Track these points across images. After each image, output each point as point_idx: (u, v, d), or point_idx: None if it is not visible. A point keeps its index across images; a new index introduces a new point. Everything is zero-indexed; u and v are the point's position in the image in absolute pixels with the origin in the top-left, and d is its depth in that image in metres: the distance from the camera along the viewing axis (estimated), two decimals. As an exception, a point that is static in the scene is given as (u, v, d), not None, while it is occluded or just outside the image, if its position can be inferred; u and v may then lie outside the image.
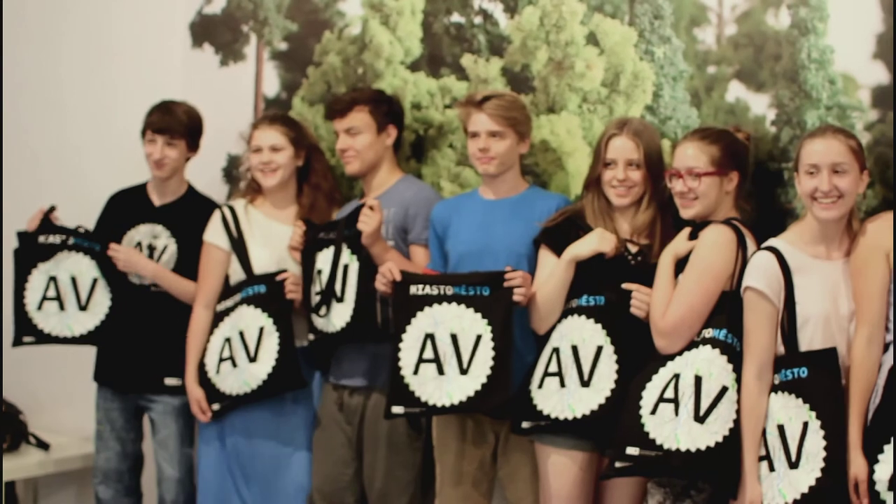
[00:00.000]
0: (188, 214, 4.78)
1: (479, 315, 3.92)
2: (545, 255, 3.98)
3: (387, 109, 4.49)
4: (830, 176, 3.49)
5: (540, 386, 3.85)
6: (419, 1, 4.77)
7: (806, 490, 3.41)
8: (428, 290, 3.98)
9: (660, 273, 3.72)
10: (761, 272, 3.55)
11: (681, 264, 3.72)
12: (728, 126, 3.92)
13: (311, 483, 4.50)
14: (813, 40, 3.92)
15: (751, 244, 3.68)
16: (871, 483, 3.35)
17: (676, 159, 3.78)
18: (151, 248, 4.75)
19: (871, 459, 3.36)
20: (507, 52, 4.54)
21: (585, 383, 3.77)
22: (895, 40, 3.71)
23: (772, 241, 3.61)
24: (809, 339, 3.52)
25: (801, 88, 3.94)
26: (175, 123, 4.72)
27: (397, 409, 3.97)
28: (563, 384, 3.80)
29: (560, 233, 3.95)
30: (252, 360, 4.40)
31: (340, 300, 4.23)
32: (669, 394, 3.58)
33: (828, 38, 3.90)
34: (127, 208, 4.85)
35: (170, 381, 4.70)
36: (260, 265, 4.53)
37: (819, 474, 3.40)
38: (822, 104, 3.90)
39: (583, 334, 3.81)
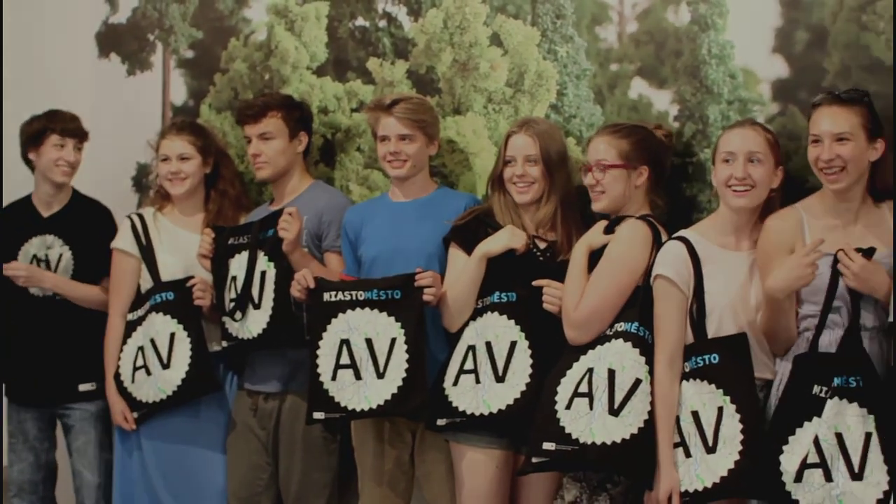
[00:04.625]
0: (78, 220, 4.60)
1: (392, 318, 3.79)
2: (455, 254, 3.84)
3: (298, 115, 4.33)
4: (745, 164, 3.42)
5: (455, 383, 3.73)
6: (324, 6, 4.62)
7: (725, 473, 3.33)
8: (341, 296, 3.84)
9: (573, 265, 3.60)
10: (671, 261, 3.46)
11: (594, 257, 3.59)
12: (647, 123, 3.82)
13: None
14: (713, 36, 3.86)
15: (664, 238, 3.57)
16: (778, 474, 3.27)
17: (588, 153, 3.70)
18: (47, 260, 4.54)
19: (777, 450, 3.29)
20: (412, 54, 4.41)
21: (500, 379, 3.66)
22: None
23: (682, 232, 3.53)
24: (717, 328, 3.44)
25: (703, 84, 3.88)
26: (81, 128, 4.56)
27: (318, 415, 3.84)
28: (478, 381, 3.69)
29: (470, 231, 3.83)
30: (165, 366, 4.21)
31: (257, 306, 4.06)
32: (584, 388, 3.47)
33: (727, 33, 3.85)
34: (16, 223, 4.63)
35: (84, 387, 4.51)
36: (168, 273, 4.34)
37: (738, 457, 3.32)
38: (724, 99, 3.84)
39: (496, 331, 3.70)
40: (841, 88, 3.49)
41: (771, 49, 3.79)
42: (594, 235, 3.62)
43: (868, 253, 3.29)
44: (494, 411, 3.64)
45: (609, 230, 3.60)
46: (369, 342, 3.78)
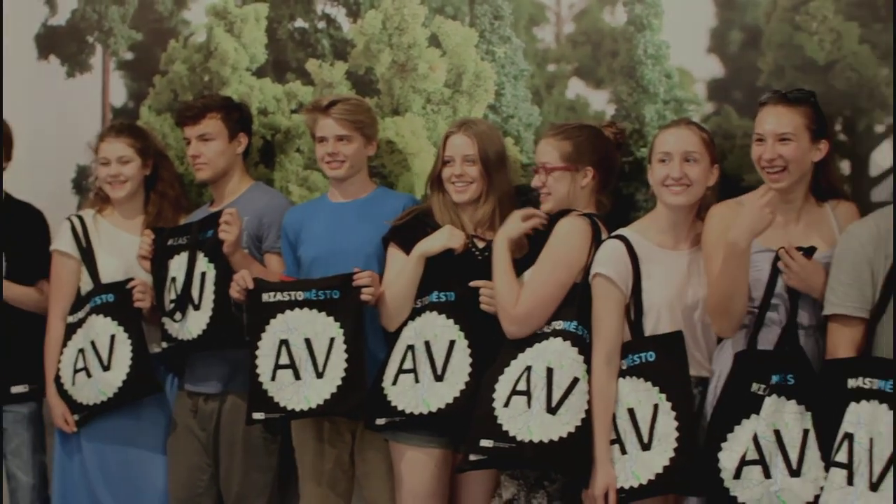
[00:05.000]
0: (10, 222, 4.50)
1: (331, 318, 3.76)
2: (394, 253, 3.82)
3: (238, 117, 4.29)
4: (682, 164, 3.41)
5: (394, 383, 3.70)
6: (263, 7, 4.57)
7: (660, 470, 3.33)
8: (280, 296, 3.81)
9: (498, 259, 3.59)
10: (610, 259, 3.45)
11: (533, 254, 3.58)
12: (600, 122, 3.80)
13: (169, 490, 4.31)
14: (649, 36, 3.87)
15: (605, 237, 3.56)
16: (716, 471, 3.26)
17: (537, 155, 3.70)
18: None
19: (716, 447, 3.29)
20: (351, 55, 4.38)
21: (439, 378, 3.64)
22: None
23: (621, 231, 3.52)
24: (654, 326, 3.44)
25: (639, 84, 3.88)
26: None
27: (258, 416, 3.81)
28: (417, 380, 3.66)
29: (409, 231, 3.81)
30: (106, 368, 4.15)
31: (197, 307, 4.02)
32: (522, 386, 3.46)
33: (663, 33, 3.86)
34: None
35: (16, 389, 4.44)
36: (108, 275, 4.27)
37: (672, 454, 3.32)
38: (660, 98, 3.85)
39: (435, 330, 3.67)
40: (774, 88, 3.51)
41: (706, 49, 3.80)
42: (512, 225, 3.61)
43: (809, 252, 3.30)
44: (434, 410, 3.61)
45: (550, 226, 3.57)
46: (308, 342, 3.75)
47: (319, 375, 3.73)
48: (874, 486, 3.09)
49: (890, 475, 3.07)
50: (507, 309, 3.52)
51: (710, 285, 3.36)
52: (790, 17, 3.64)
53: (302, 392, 3.74)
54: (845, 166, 3.57)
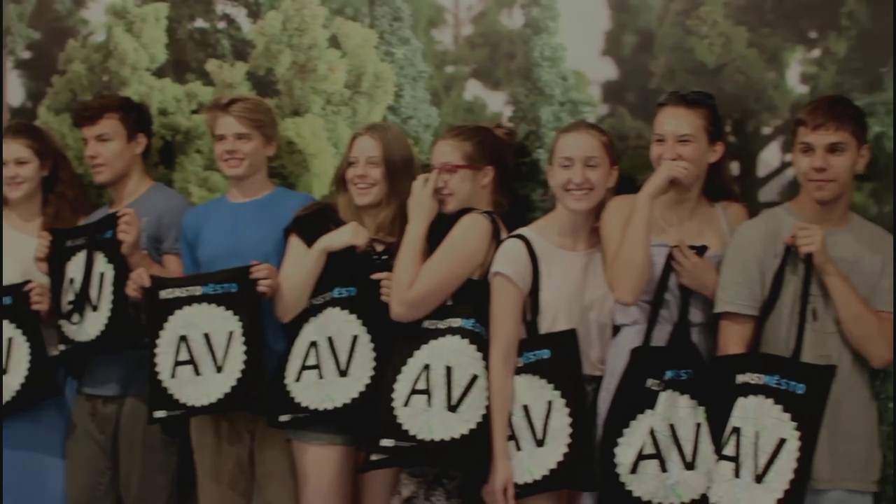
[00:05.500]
0: None
1: (229, 312, 3.73)
2: (295, 243, 3.78)
3: (136, 117, 4.22)
4: (583, 169, 3.42)
5: (297, 379, 3.67)
6: (163, 7, 4.50)
7: (554, 466, 3.35)
8: (177, 292, 3.77)
9: (410, 241, 3.56)
10: (510, 258, 3.46)
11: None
12: (488, 123, 3.82)
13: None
14: (545, 39, 3.89)
15: (504, 236, 3.58)
16: (612, 466, 3.30)
17: (433, 157, 3.69)
18: None
19: (612, 443, 3.32)
20: (252, 56, 4.34)
21: (343, 373, 3.62)
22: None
23: (521, 230, 3.53)
24: (551, 325, 3.46)
25: (536, 85, 3.90)
26: None
27: (159, 414, 3.76)
28: (321, 376, 3.64)
29: (311, 223, 3.78)
30: (3, 372, 4.07)
31: (95, 309, 3.96)
32: (421, 385, 3.47)
33: (559, 36, 3.89)
34: None
35: None
36: (6, 277, 4.18)
37: (566, 450, 3.35)
38: (556, 100, 3.87)
39: (338, 325, 3.66)
40: (666, 90, 3.57)
41: (601, 52, 3.83)
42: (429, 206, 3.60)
43: (701, 251, 3.36)
44: (339, 405, 3.60)
45: (452, 222, 3.57)
46: (207, 337, 3.71)
47: (219, 370, 3.70)
48: (759, 479, 3.16)
49: (774, 468, 3.14)
50: (400, 289, 3.50)
51: (611, 256, 3.39)
52: (681, 22, 3.69)
53: (202, 388, 3.71)
54: (734, 167, 3.63)
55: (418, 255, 3.54)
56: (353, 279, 3.66)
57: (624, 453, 3.29)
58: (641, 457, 3.27)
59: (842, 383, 3.21)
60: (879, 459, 3.34)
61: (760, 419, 3.18)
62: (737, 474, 3.19)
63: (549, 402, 3.39)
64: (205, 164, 4.37)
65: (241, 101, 3.93)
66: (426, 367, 3.46)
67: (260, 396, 3.69)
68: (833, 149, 3.21)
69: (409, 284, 3.49)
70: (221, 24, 4.39)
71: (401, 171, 3.73)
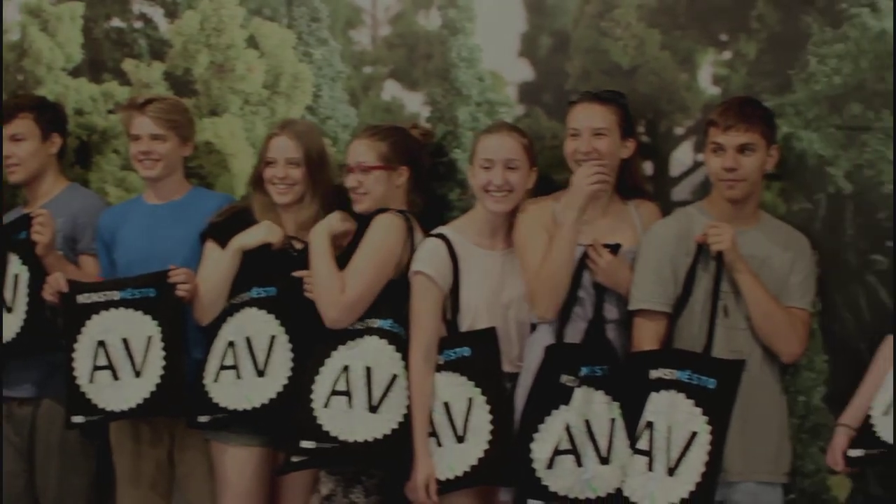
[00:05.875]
0: None
1: (148, 317, 3.69)
2: (211, 248, 3.75)
3: (51, 117, 4.16)
4: (504, 171, 3.44)
5: (216, 380, 3.64)
6: (78, 6, 4.43)
7: (475, 462, 3.37)
8: (95, 297, 3.72)
9: (319, 250, 3.54)
10: (430, 258, 3.48)
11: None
12: (404, 123, 3.83)
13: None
14: (462, 40, 3.90)
15: (419, 235, 3.59)
16: (528, 461, 3.31)
17: (349, 155, 3.66)
18: None
19: (528, 439, 3.34)
20: (169, 56, 4.29)
21: (261, 373, 3.61)
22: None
23: (441, 229, 3.54)
24: (471, 323, 3.47)
25: (453, 86, 3.91)
26: None
27: (77, 419, 3.72)
28: (239, 376, 3.62)
29: (227, 227, 3.74)
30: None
31: (10, 310, 3.91)
32: (341, 386, 3.46)
33: (476, 37, 3.89)
34: None
35: None
36: None
37: (486, 446, 3.37)
38: (473, 101, 3.88)
39: (256, 326, 3.63)
40: (582, 91, 3.58)
41: (517, 53, 3.85)
42: (333, 220, 3.59)
43: (615, 249, 3.40)
44: (257, 406, 3.58)
45: (366, 223, 3.56)
46: (126, 342, 3.67)
47: (137, 375, 3.66)
48: (671, 472, 3.20)
49: (686, 461, 3.19)
50: (333, 294, 3.47)
51: (530, 273, 3.40)
52: (596, 24, 3.72)
53: (121, 392, 3.67)
54: (648, 166, 3.66)
55: (332, 259, 3.52)
56: (272, 279, 3.64)
57: (540, 449, 3.31)
58: (557, 452, 3.30)
59: (752, 378, 3.26)
60: (790, 452, 3.41)
61: (673, 414, 3.22)
62: (650, 468, 3.23)
63: (470, 400, 3.40)
64: (121, 165, 4.31)
65: (156, 101, 3.89)
66: (345, 368, 3.45)
67: (179, 402, 3.66)
68: (743, 149, 3.26)
69: (339, 289, 3.47)
70: (138, 24, 4.34)
71: (318, 166, 3.73)
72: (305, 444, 3.43)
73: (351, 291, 3.46)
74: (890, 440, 3.03)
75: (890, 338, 3.21)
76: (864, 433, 3.11)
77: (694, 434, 3.20)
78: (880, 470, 3.36)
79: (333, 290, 3.47)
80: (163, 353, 3.66)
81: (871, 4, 3.41)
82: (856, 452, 3.14)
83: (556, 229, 3.38)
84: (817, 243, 3.45)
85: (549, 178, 3.61)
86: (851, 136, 3.44)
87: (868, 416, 3.11)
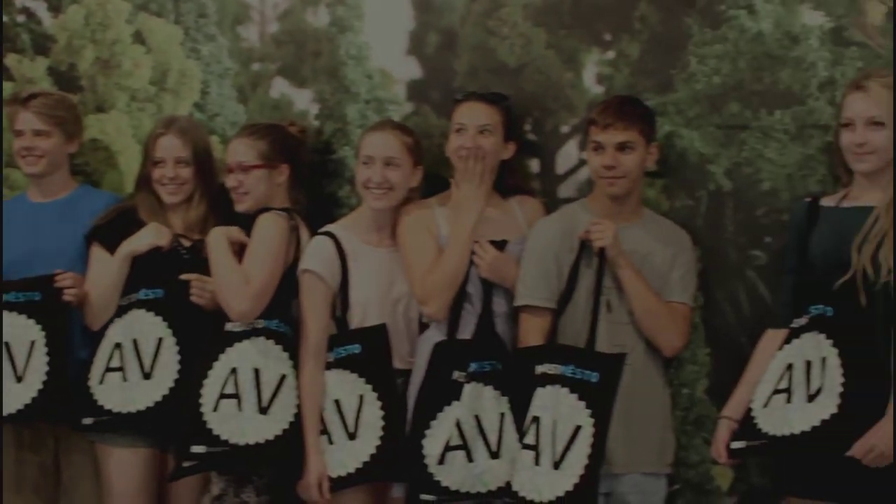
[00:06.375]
0: None
1: (31, 321, 3.62)
2: (97, 252, 3.70)
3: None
4: (383, 168, 3.44)
5: (101, 382, 3.59)
6: (-41, 0, 4.31)
7: (367, 459, 3.39)
8: None
9: (219, 250, 3.49)
10: (318, 255, 3.47)
11: None
12: (282, 121, 3.81)
13: None
14: (351, 37, 3.89)
15: (304, 233, 3.57)
16: (420, 457, 3.33)
17: (228, 155, 3.63)
18: None
19: (420, 435, 3.35)
20: (53, 51, 4.20)
21: (147, 376, 3.56)
22: None
23: (329, 227, 3.53)
24: (360, 320, 3.47)
25: (342, 83, 3.90)
26: None
27: None
28: (125, 378, 3.57)
29: (112, 229, 3.69)
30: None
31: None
32: (230, 389, 3.43)
33: (364, 35, 3.89)
34: None
35: None
36: None
37: (378, 443, 3.38)
38: (362, 98, 3.88)
39: (142, 327, 3.59)
40: (469, 89, 3.61)
41: (405, 51, 3.85)
42: (232, 229, 3.56)
43: (501, 245, 3.43)
44: (142, 408, 3.53)
45: (250, 223, 3.53)
46: (8, 346, 3.59)
47: (19, 379, 3.58)
48: (556, 465, 3.23)
49: (570, 454, 3.22)
50: (239, 287, 3.42)
51: (416, 274, 3.42)
52: (483, 22, 3.73)
53: (2, 397, 3.58)
54: (534, 164, 3.70)
55: (233, 256, 3.48)
56: (160, 280, 3.59)
57: (431, 445, 3.32)
58: (448, 448, 3.31)
59: (636, 372, 3.31)
60: (673, 443, 3.46)
61: (557, 408, 3.25)
62: (537, 462, 3.26)
63: (361, 397, 3.41)
64: (6, 162, 4.19)
65: (41, 95, 3.81)
66: (233, 370, 3.43)
67: (63, 406, 3.59)
68: (622, 147, 3.30)
69: (244, 280, 3.43)
70: (21, 18, 4.24)
71: (206, 164, 3.70)
72: (196, 448, 3.40)
73: (256, 281, 3.43)
74: (770, 431, 3.09)
75: (769, 331, 3.26)
76: (746, 425, 3.15)
77: (578, 427, 3.23)
78: (761, 460, 3.44)
79: (238, 283, 3.43)
80: (46, 359, 3.59)
81: (749, 7, 3.47)
82: (738, 444, 3.17)
83: (452, 233, 3.42)
84: (699, 239, 3.50)
85: (438, 175, 3.61)
86: (730, 135, 3.50)
87: (749, 409, 3.16)
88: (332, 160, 3.87)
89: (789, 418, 3.04)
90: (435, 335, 3.44)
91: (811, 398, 3.03)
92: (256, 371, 3.42)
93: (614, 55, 3.64)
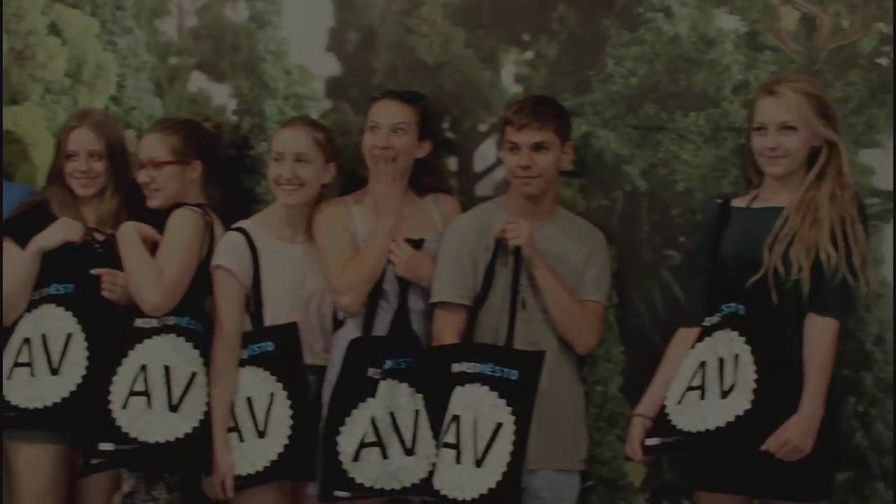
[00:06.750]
0: None
1: None
2: (9, 247, 3.61)
3: None
4: (293, 164, 3.43)
5: (9, 377, 3.52)
6: None
7: (275, 457, 3.38)
8: None
9: (130, 245, 3.46)
10: (230, 251, 3.45)
11: None
12: (197, 116, 3.77)
13: None
14: (270, 33, 3.87)
15: (219, 229, 3.53)
16: (335, 454, 3.33)
17: (141, 150, 3.59)
18: None
19: (334, 432, 3.34)
20: (-34, 41, 4.12)
21: (55, 371, 3.50)
22: None
23: (241, 223, 3.51)
24: (273, 317, 3.45)
25: (260, 79, 3.88)
26: None
27: None
28: (33, 374, 3.51)
29: (24, 224, 3.62)
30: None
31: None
32: (139, 386, 3.39)
33: (284, 30, 3.86)
34: None
35: None
36: None
37: (287, 441, 3.37)
38: (280, 94, 3.86)
39: (52, 322, 3.52)
40: (388, 87, 3.61)
41: (325, 47, 3.83)
42: (144, 226, 3.52)
43: (417, 243, 3.44)
44: (49, 405, 3.47)
45: (163, 220, 3.50)
46: None
47: None
48: (479, 463, 3.24)
49: (492, 452, 3.23)
50: (152, 280, 3.39)
51: (333, 271, 3.42)
52: (403, 20, 3.74)
53: None
54: (452, 162, 3.70)
55: (146, 249, 3.45)
56: (71, 274, 3.54)
57: (346, 442, 3.31)
58: (363, 445, 3.31)
59: (550, 369, 3.32)
60: (586, 440, 3.49)
61: (478, 406, 3.26)
62: (458, 460, 3.26)
63: (272, 395, 3.39)
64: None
65: None
66: (143, 367, 3.39)
67: None
68: (537, 147, 3.31)
69: (158, 273, 3.40)
70: (-68, 8, 4.17)
71: (120, 157, 3.66)
72: (104, 446, 3.36)
73: (169, 274, 3.40)
74: (684, 428, 3.12)
75: (682, 330, 3.30)
76: (660, 422, 3.18)
77: (499, 425, 3.24)
78: (673, 457, 3.47)
79: (152, 275, 3.40)
80: None
81: (666, 10, 3.51)
82: (652, 441, 3.20)
83: (370, 233, 3.42)
84: (614, 239, 3.53)
85: (356, 172, 3.61)
86: (646, 136, 3.54)
87: (663, 406, 3.19)
88: (250, 156, 3.85)
89: (703, 414, 3.08)
90: (350, 332, 3.43)
91: (725, 394, 3.07)
92: (167, 368, 3.38)
93: (533, 55, 3.65)
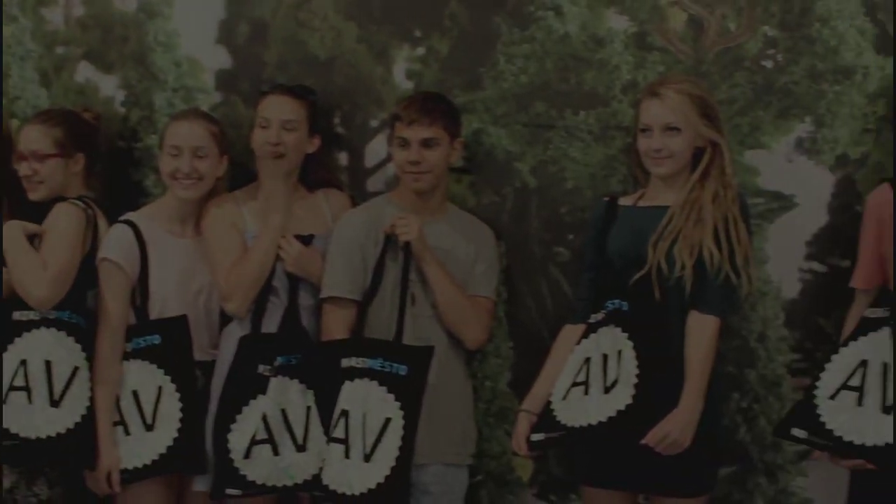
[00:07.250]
0: None
1: None
2: None
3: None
4: (192, 159, 3.42)
5: None
6: None
7: (164, 451, 3.37)
8: None
9: (15, 243, 3.38)
10: (117, 244, 3.42)
11: None
12: (76, 107, 3.71)
13: None
14: (160, 24, 3.83)
15: (101, 222, 3.49)
16: (226, 451, 3.31)
17: (21, 142, 3.52)
18: None
19: (225, 429, 3.33)
20: None
21: None
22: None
23: (129, 215, 3.47)
24: (160, 311, 3.43)
25: (149, 70, 3.83)
26: None
27: None
28: None
29: None
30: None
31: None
32: (20, 381, 3.34)
33: (174, 22, 3.82)
34: None
35: None
36: None
37: (176, 434, 3.37)
38: (170, 86, 3.81)
39: None
40: (279, 81, 3.60)
41: (215, 40, 3.80)
42: (27, 222, 3.44)
43: (307, 240, 3.42)
44: None
45: (43, 214, 3.44)
46: None
47: None
48: (367, 458, 3.24)
49: (381, 447, 3.25)
50: (37, 273, 3.32)
51: (221, 271, 3.40)
52: (294, 14, 3.71)
53: None
54: (343, 157, 3.70)
55: (30, 249, 3.38)
56: None
57: (237, 439, 3.30)
58: (254, 442, 3.29)
59: (439, 364, 3.33)
60: (475, 435, 3.50)
61: (367, 401, 3.26)
62: (347, 455, 3.26)
63: (160, 388, 3.36)
64: None
65: None
66: (23, 362, 3.33)
67: None
68: (427, 143, 3.31)
69: (42, 266, 3.33)
70: None
71: (2, 150, 3.59)
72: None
73: (53, 266, 3.33)
74: (568, 423, 3.15)
75: (567, 326, 3.32)
76: (546, 417, 3.20)
77: (388, 420, 3.25)
78: (561, 452, 3.52)
79: (37, 269, 3.33)
80: None
81: (556, 8, 3.53)
82: (538, 436, 3.21)
83: (259, 232, 3.40)
84: (504, 235, 3.56)
85: (246, 166, 3.57)
86: (536, 134, 3.56)
87: (548, 402, 3.21)
88: (138, 148, 3.80)
89: (587, 409, 3.11)
90: (239, 328, 3.41)
91: (608, 390, 3.10)
92: (48, 363, 3.33)
93: (424, 52, 3.65)
